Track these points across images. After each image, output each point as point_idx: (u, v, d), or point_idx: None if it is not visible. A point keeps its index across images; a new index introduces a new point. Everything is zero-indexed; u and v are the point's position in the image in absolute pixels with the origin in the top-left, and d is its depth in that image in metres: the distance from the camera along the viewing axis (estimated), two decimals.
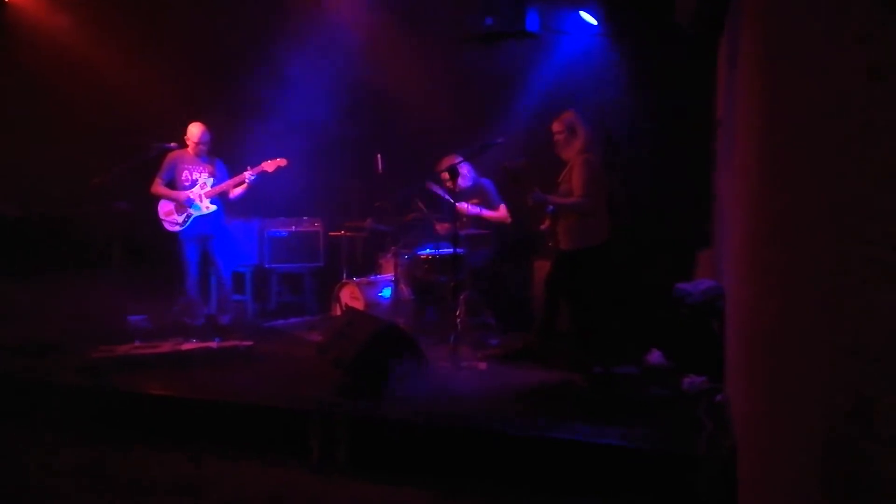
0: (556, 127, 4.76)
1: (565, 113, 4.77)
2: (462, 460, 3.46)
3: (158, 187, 6.02)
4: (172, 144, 6.06)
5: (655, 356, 4.68)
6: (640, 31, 5.89)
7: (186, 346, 5.09)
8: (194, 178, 6.06)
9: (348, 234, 6.32)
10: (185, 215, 6.01)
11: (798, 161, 1.68)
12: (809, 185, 1.54)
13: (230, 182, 6.02)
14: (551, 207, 4.82)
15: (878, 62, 1.10)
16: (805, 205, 1.58)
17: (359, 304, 5.71)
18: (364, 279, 6.00)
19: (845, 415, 1.21)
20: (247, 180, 5.95)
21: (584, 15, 6.02)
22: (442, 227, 5.96)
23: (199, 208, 6.02)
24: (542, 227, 4.94)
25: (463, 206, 5.61)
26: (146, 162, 6.01)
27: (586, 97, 5.75)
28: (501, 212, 5.82)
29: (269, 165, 6.05)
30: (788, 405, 1.72)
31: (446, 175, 5.66)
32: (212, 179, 6.08)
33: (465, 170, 5.79)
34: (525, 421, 3.61)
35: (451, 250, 5.27)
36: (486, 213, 5.76)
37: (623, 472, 3.16)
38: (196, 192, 6.03)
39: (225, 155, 6.31)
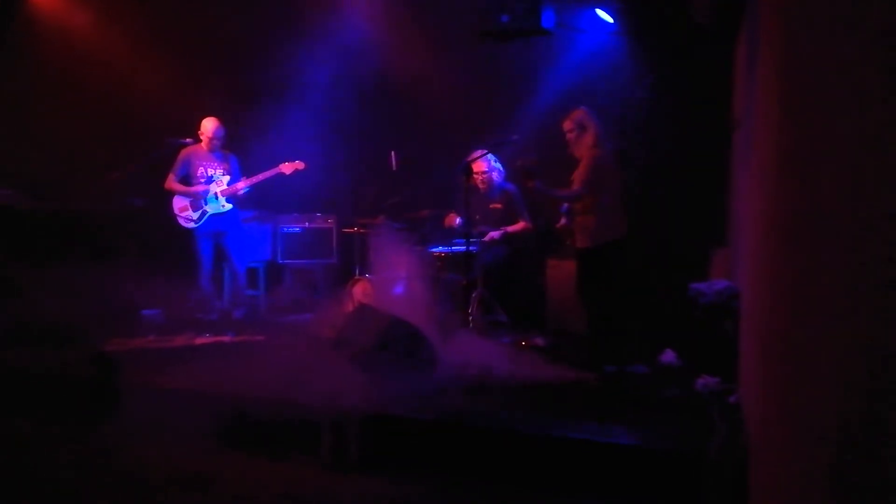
0: (566, 125, 4.77)
1: (575, 111, 4.77)
2: (472, 458, 3.46)
3: (172, 183, 6.05)
4: (187, 140, 6.09)
5: (669, 356, 4.65)
6: (656, 29, 5.84)
7: (200, 341, 5.13)
8: (210, 174, 6.09)
9: (361, 230, 6.33)
10: (199, 212, 6.04)
11: (816, 160, 1.66)
12: (827, 185, 1.52)
13: (237, 185, 6.04)
14: (566, 206, 4.83)
15: (891, 68, 1.08)
16: (822, 205, 1.56)
17: (371, 301, 5.72)
18: (376, 276, 6.00)
19: (859, 418, 1.19)
20: (241, 190, 6.01)
21: (600, 13, 5.98)
22: (450, 221, 5.96)
23: (215, 205, 6.05)
24: (558, 226, 4.94)
25: (495, 234, 5.64)
26: (161, 158, 6.05)
27: (602, 95, 5.72)
28: (523, 224, 5.80)
29: (286, 168, 6.08)
30: (802, 407, 1.70)
31: (481, 167, 5.69)
32: (227, 177, 6.11)
33: (497, 165, 5.81)
34: (536, 419, 3.60)
35: (464, 248, 5.27)
36: (511, 229, 5.75)
37: (634, 472, 3.15)
38: (212, 188, 6.06)
39: (241, 151, 6.34)
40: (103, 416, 4.16)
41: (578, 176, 4.65)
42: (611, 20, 6.00)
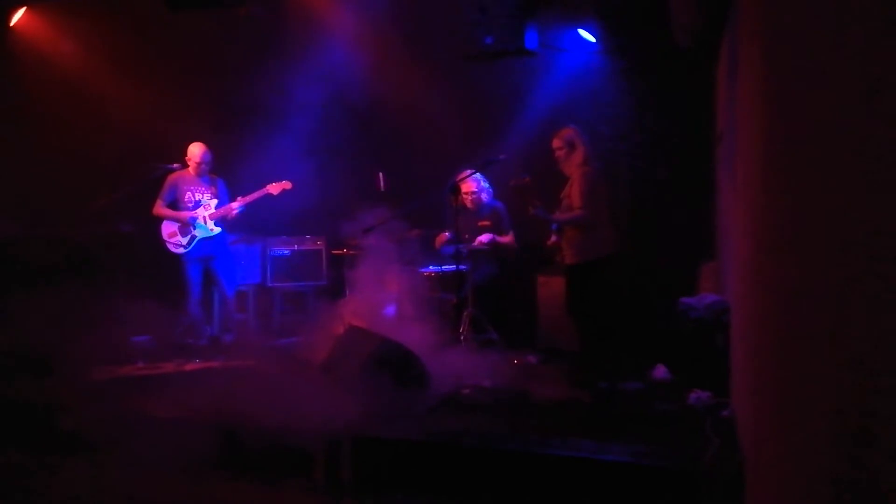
0: (555, 143, 4.84)
1: (564, 129, 4.84)
2: (465, 477, 3.43)
3: (160, 209, 6.03)
4: (175, 165, 6.08)
5: (660, 371, 4.66)
6: (638, 47, 5.92)
7: (190, 367, 5.08)
8: (197, 198, 6.07)
9: (350, 252, 6.32)
10: (189, 237, 6.02)
11: (801, 175, 1.68)
12: (813, 200, 1.54)
13: (231, 205, 6.04)
14: (555, 225, 4.86)
15: (876, 77, 1.10)
16: (809, 219, 1.58)
17: (361, 322, 5.69)
18: (366, 297, 5.98)
19: (853, 430, 1.20)
20: (236, 210, 5.99)
21: (583, 33, 6.06)
22: (440, 241, 5.97)
23: (203, 229, 6.03)
24: (549, 243, 4.98)
25: (483, 238, 5.65)
26: (149, 183, 6.04)
27: (586, 113, 5.78)
28: (510, 238, 5.83)
29: (273, 188, 6.07)
30: (796, 420, 1.70)
31: (470, 187, 5.70)
32: (215, 200, 6.09)
33: (486, 184, 5.84)
34: (529, 437, 3.58)
35: (455, 267, 5.28)
36: (500, 239, 5.77)
37: (629, 488, 3.14)
38: (200, 213, 6.04)
39: (228, 175, 6.33)
40: (93, 445, 4.10)
41: (573, 196, 4.69)
42: (593, 40, 6.08)
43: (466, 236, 5.70)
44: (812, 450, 1.48)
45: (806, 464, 1.56)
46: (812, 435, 1.49)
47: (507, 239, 5.82)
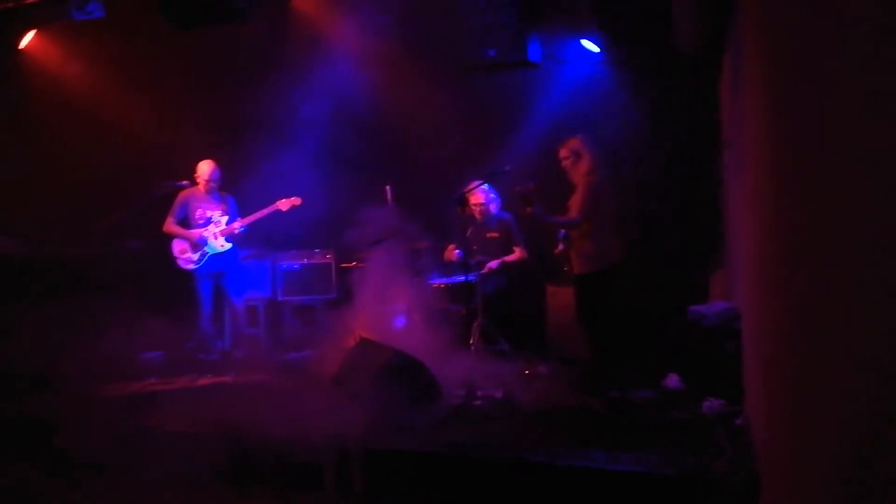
0: (562, 153, 4.86)
1: (571, 139, 4.86)
2: (476, 488, 3.43)
3: (171, 226, 6.08)
4: (184, 182, 6.14)
5: (673, 380, 4.64)
6: (641, 56, 5.94)
7: (202, 382, 5.10)
8: (208, 216, 6.12)
9: (360, 265, 6.34)
10: (199, 253, 6.06)
11: (805, 179, 1.69)
12: (817, 204, 1.54)
13: (232, 226, 6.07)
14: (563, 233, 4.87)
15: (877, 84, 1.11)
16: (814, 223, 1.58)
17: (372, 335, 5.70)
18: (376, 309, 5.98)
19: (867, 436, 1.20)
20: (237, 231, 6.03)
21: (586, 43, 6.08)
22: (450, 254, 5.99)
23: (213, 247, 6.07)
24: (556, 251, 4.98)
25: (493, 265, 5.67)
26: (158, 200, 6.09)
27: (592, 123, 5.79)
28: (519, 253, 5.85)
29: (283, 204, 6.12)
30: (810, 427, 1.70)
31: (478, 198, 5.73)
32: (226, 217, 6.14)
33: (494, 196, 5.86)
34: (542, 448, 3.57)
35: (464, 278, 5.29)
36: (508, 258, 5.79)
37: (643, 498, 3.12)
38: (210, 230, 6.09)
39: (237, 191, 6.38)
40: (106, 460, 4.12)
41: (575, 203, 4.72)
42: (597, 50, 6.10)
43: (475, 247, 5.71)
44: (823, 451, 1.48)
45: (817, 465, 1.55)
46: (823, 436, 1.49)
47: (515, 255, 5.83)
